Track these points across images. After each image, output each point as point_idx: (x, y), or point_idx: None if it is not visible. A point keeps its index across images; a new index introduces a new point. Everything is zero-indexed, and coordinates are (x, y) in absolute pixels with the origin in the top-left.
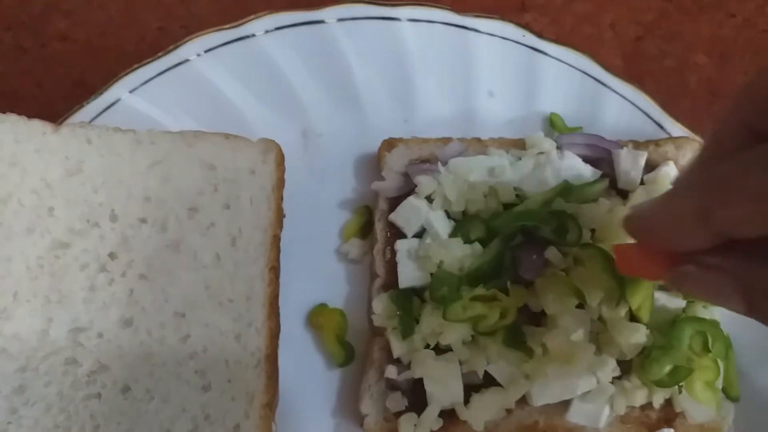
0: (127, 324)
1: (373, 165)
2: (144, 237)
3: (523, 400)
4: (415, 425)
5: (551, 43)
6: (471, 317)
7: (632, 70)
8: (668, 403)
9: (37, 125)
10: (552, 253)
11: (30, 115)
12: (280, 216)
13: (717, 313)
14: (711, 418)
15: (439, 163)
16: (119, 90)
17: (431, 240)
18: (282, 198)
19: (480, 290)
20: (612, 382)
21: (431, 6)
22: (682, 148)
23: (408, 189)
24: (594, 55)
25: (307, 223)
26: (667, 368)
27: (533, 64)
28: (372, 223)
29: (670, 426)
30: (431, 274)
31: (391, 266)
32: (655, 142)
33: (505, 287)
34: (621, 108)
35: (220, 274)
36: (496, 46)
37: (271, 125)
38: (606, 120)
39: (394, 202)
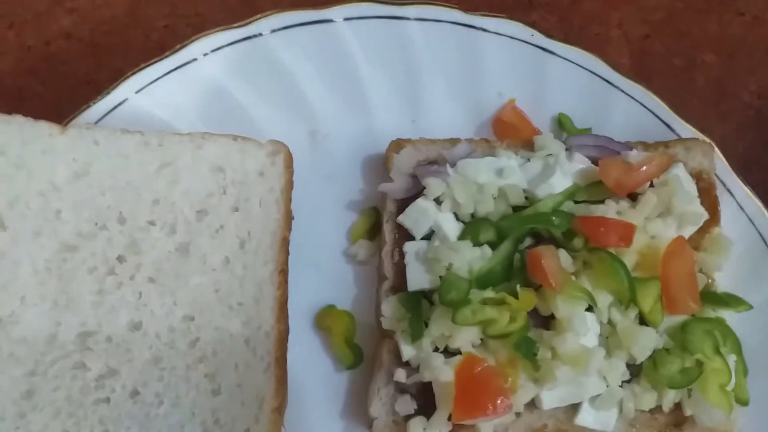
0: (136, 328)
1: (380, 166)
2: (152, 240)
3: (533, 404)
4: (424, 429)
5: (560, 42)
6: (480, 321)
7: (640, 69)
8: (677, 407)
9: (44, 126)
10: (562, 256)
11: (35, 115)
12: (288, 218)
13: (725, 315)
14: (721, 422)
15: (448, 165)
16: (126, 90)
17: (440, 242)
18: (291, 200)
19: (489, 293)
20: (621, 386)
21: (439, 4)
22: (692, 150)
23: (416, 190)
24: (601, 53)
25: (314, 225)
26: (679, 368)
27: (542, 63)
28: (380, 225)
29: (679, 430)
30: (440, 276)
31: (400, 268)
32: (665, 143)
33: (515, 290)
34: (629, 108)
35: (229, 278)
36: (504, 46)
37: (278, 126)
38: (615, 120)
39: (402, 204)
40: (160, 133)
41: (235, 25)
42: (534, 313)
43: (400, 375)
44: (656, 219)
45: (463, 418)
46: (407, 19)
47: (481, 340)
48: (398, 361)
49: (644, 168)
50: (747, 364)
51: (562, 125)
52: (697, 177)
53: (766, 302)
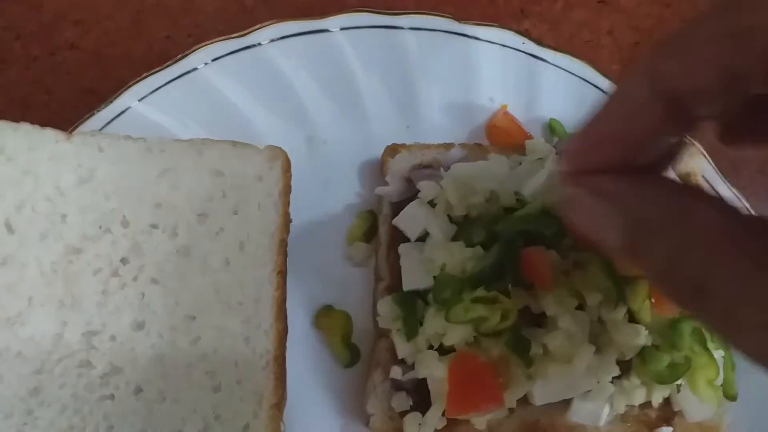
0: (139, 327)
1: (376, 170)
2: (155, 242)
3: (525, 400)
4: (419, 424)
5: (550, 50)
6: (473, 319)
7: None
8: (667, 402)
9: (50, 134)
10: (552, 256)
11: (40, 123)
12: (287, 221)
13: None
14: (709, 416)
15: (441, 169)
16: (129, 98)
17: (434, 243)
18: (289, 203)
19: (481, 292)
20: (612, 382)
21: (433, 14)
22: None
23: (411, 194)
24: (592, 60)
25: (313, 228)
26: (667, 363)
27: (533, 70)
28: (376, 228)
29: (669, 425)
30: (434, 276)
31: (395, 269)
32: None
33: (507, 289)
34: None
35: (229, 278)
36: (496, 54)
37: (277, 132)
38: None
39: (398, 207)
40: (162, 139)
41: (234, 35)
42: (526, 311)
43: (396, 372)
44: None
45: (456, 413)
46: (401, 28)
47: (475, 337)
48: (394, 358)
49: None
50: (736, 360)
51: (553, 130)
52: (684, 179)
53: None
